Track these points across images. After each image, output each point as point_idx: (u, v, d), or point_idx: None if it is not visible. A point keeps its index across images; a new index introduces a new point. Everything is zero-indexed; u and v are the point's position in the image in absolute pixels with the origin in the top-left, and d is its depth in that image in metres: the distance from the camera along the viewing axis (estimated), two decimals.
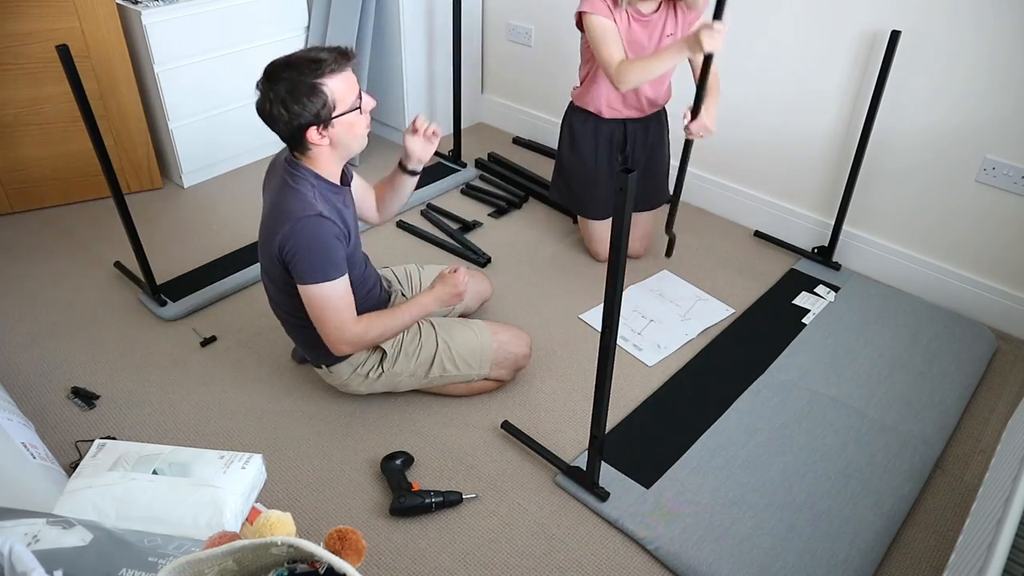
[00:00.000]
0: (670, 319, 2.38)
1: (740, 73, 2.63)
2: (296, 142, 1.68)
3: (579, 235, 2.76)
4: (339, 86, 1.63)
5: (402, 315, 1.86)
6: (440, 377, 1.99)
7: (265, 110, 1.62)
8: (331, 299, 1.72)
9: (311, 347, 1.91)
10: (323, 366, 1.96)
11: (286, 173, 1.72)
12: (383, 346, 1.92)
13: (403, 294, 2.14)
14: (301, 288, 1.72)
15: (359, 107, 1.68)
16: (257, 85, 1.63)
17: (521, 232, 2.82)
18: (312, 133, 1.64)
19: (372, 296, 1.98)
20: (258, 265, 2.52)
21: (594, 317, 2.37)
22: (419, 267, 2.23)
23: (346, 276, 1.74)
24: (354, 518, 1.77)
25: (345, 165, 1.84)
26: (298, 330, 1.91)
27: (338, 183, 1.80)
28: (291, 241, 1.66)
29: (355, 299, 1.79)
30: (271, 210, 1.74)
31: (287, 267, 1.71)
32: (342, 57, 1.63)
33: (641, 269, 2.61)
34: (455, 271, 1.94)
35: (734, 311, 2.42)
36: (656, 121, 2.47)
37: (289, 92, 1.58)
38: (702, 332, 2.34)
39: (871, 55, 2.33)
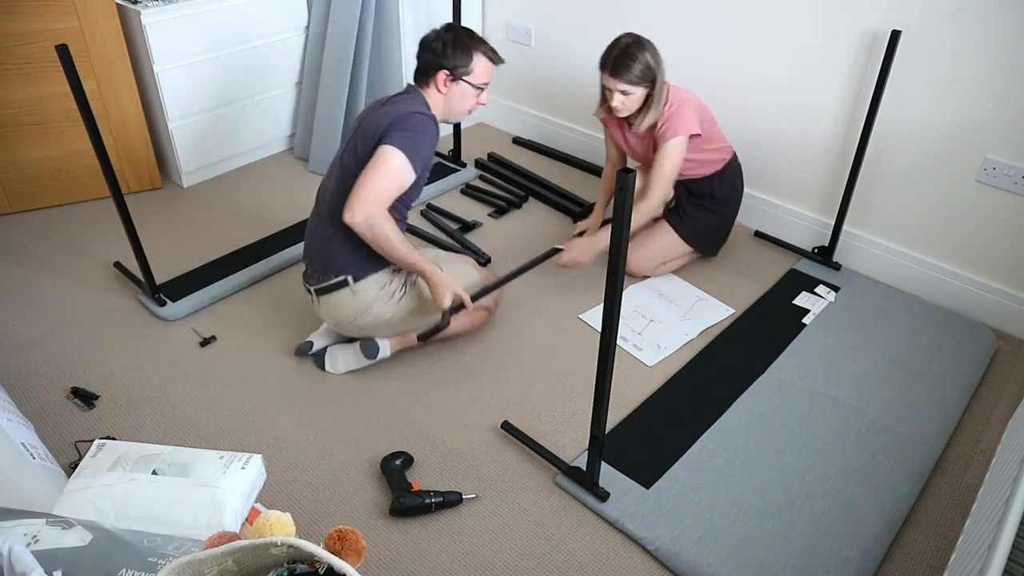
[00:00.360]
0: (670, 319, 2.38)
1: (740, 73, 2.63)
2: (427, 74, 2.01)
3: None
4: (483, 66, 2.02)
5: (408, 251, 1.93)
6: (421, 307, 2.11)
7: (429, 39, 2.00)
8: (390, 170, 1.87)
9: (348, 249, 1.98)
10: (350, 283, 2.01)
11: (411, 94, 2.01)
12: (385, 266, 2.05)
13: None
14: (381, 147, 1.87)
15: (481, 90, 2.05)
16: (437, 29, 2.02)
17: (521, 232, 2.82)
18: (442, 75, 1.99)
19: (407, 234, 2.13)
20: (259, 264, 2.55)
21: (594, 317, 2.37)
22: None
23: (413, 175, 1.90)
24: (354, 518, 1.76)
25: None
26: (344, 238, 1.96)
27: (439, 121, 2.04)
28: (404, 119, 1.91)
29: (400, 223, 1.98)
30: (389, 107, 1.95)
31: (383, 134, 1.89)
32: (499, 59, 2.07)
33: None
34: (461, 306, 2.04)
35: (734, 311, 2.42)
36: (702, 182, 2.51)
37: (454, 40, 1.98)
38: (702, 332, 2.34)
39: (871, 55, 2.33)
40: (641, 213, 2.32)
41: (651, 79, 2.21)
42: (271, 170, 3.18)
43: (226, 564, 0.91)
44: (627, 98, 2.23)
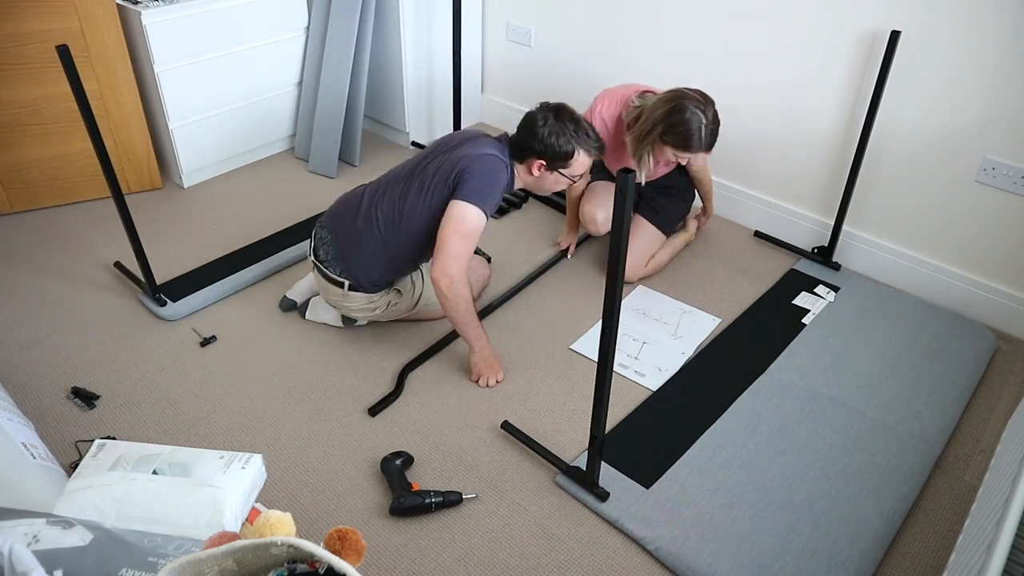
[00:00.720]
0: (662, 339, 2.32)
1: (740, 73, 2.63)
2: (522, 155, 2.00)
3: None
4: (582, 163, 2.00)
5: (470, 320, 2.03)
6: (426, 305, 2.23)
7: (534, 121, 1.96)
8: (474, 228, 1.92)
9: (369, 264, 2.05)
10: (345, 287, 2.07)
11: (497, 143, 2.02)
12: (399, 287, 2.16)
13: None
14: (454, 203, 1.91)
15: (575, 181, 2.04)
16: (544, 104, 1.98)
17: (521, 232, 2.82)
18: (536, 163, 1.99)
19: None
20: (259, 265, 2.55)
21: (584, 345, 2.28)
22: None
23: (484, 224, 1.94)
24: (354, 518, 1.77)
25: None
26: (379, 246, 2.04)
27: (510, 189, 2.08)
28: (476, 164, 1.92)
29: (428, 250, 2.03)
30: (473, 150, 1.96)
31: (457, 182, 1.93)
32: (600, 151, 2.02)
33: None
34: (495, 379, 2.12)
35: (721, 320, 2.39)
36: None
37: (556, 133, 1.94)
38: (697, 348, 2.28)
39: (871, 55, 2.33)
40: (710, 183, 2.63)
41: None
42: (271, 170, 3.18)
43: (226, 564, 0.91)
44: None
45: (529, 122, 1.97)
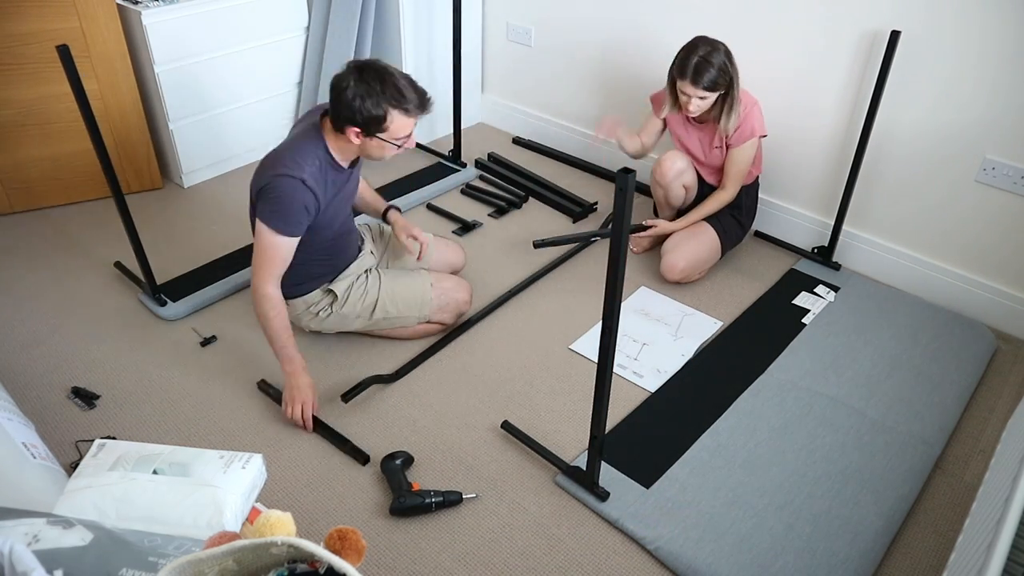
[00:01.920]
0: (663, 340, 2.31)
1: (740, 74, 2.62)
2: (337, 123, 1.85)
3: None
4: (400, 123, 1.83)
5: (279, 341, 1.95)
6: (385, 319, 2.18)
7: (339, 86, 1.79)
8: (268, 247, 1.88)
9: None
10: (286, 298, 2.02)
11: (310, 128, 1.91)
12: (335, 290, 2.12)
13: (371, 251, 2.28)
14: (257, 224, 1.89)
15: (400, 145, 1.88)
16: (350, 64, 1.80)
17: (521, 232, 2.82)
18: (351, 131, 1.83)
19: (347, 253, 2.18)
20: None
21: (583, 345, 2.29)
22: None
23: (293, 239, 1.89)
24: (354, 518, 1.77)
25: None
26: None
27: (344, 166, 1.97)
28: (268, 186, 1.85)
29: (322, 253, 2.04)
30: (279, 149, 1.91)
31: (256, 202, 1.90)
32: (421, 108, 1.85)
33: None
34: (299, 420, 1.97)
35: (722, 323, 2.39)
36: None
37: (365, 94, 1.77)
38: (698, 351, 2.28)
39: (871, 55, 2.33)
40: (717, 202, 2.50)
41: (728, 82, 2.28)
42: None
43: (226, 564, 0.91)
44: (703, 102, 2.29)
45: (335, 87, 1.79)
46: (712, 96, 2.28)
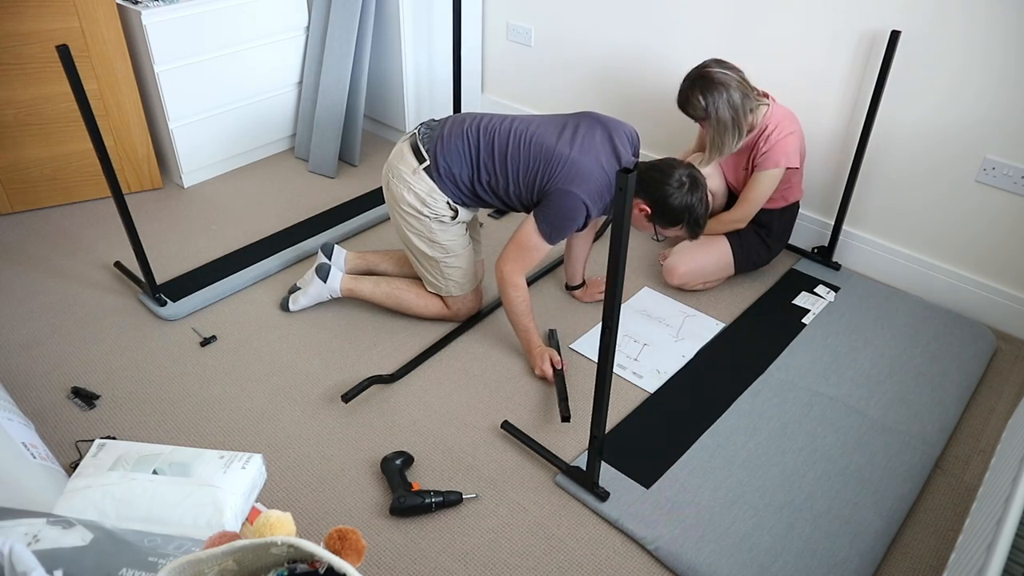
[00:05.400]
0: (663, 341, 2.31)
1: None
2: (636, 190, 1.99)
3: None
4: (676, 233, 2.06)
5: (522, 323, 2.16)
6: (444, 263, 2.22)
7: (670, 175, 1.97)
8: (532, 248, 2.06)
9: (458, 159, 2.10)
10: (427, 161, 2.10)
11: (612, 155, 2.04)
12: (460, 211, 2.17)
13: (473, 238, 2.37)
14: (528, 222, 2.05)
15: (656, 239, 2.11)
16: (692, 171, 2.00)
17: None
18: (641, 204, 2.00)
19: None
20: (259, 265, 2.55)
21: (584, 345, 2.29)
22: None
23: (549, 247, 2.07)
24: (354, 518, 1.77)
25: None
26: (475, 151, 2.09)
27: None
28: (560, 195, 1.99)
29: (492, 193, 2.13)
30: (584, 154, 2.01)
31: (542, 196, 2.04)
32: (694, 236, 2.07)
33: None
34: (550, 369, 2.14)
35: (724, 324, 2.38)
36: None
37: (683, 199, 1.97)
38: (698, 351, 2.27)
39: (871, 55, 2.33)
40: (722, 223, 2.43)
41: (706, 117, 2.23)
42: (271, 170, 3.18)
43: (226, 564, 0.91)
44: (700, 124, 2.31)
45: (666, 172, 1.98)
46: (702, 122, 2.26)
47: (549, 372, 2.13)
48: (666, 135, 2.94)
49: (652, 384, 2.15)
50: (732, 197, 2.54)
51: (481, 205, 2.19)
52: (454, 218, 2.16)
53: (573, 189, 1.98)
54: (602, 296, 2.42)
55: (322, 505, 1.79)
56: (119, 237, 2.66)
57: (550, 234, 2.03)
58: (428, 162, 2.09)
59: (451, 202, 2.13)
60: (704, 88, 2.20)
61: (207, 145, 3.01)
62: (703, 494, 1.82)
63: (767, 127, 2.28)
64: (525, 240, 2.06)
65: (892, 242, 2.54)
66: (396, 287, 2.33)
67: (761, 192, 2.34)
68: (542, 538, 1.73)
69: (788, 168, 2.31)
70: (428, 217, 2.14)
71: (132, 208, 2.30)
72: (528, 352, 2.19)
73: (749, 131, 2.28)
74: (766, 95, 2.32)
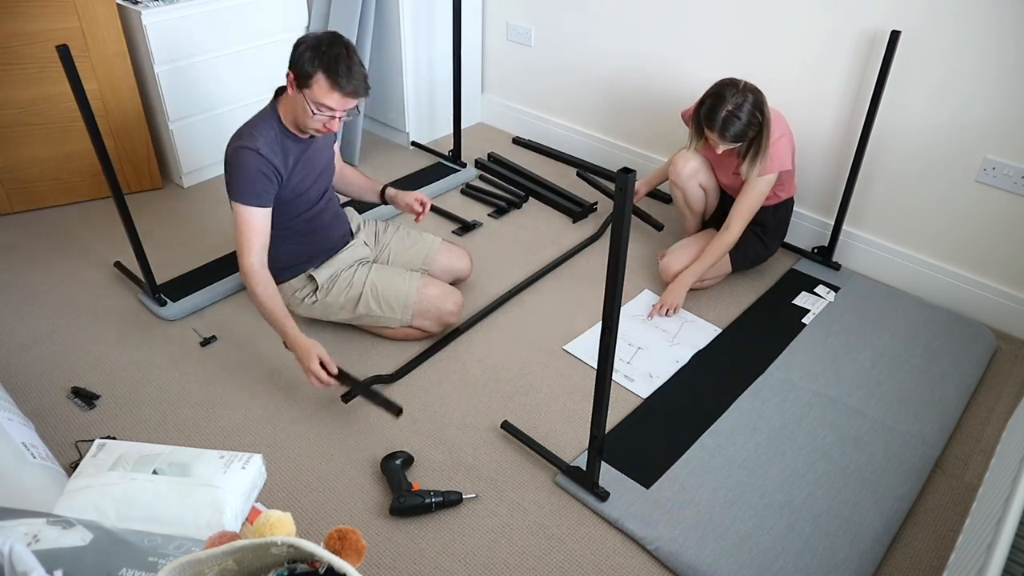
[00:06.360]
0: (658, 345, 2.29)
1: (740, 74, 2.62)
2: (289, 74, 1.92)
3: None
4: (321, 87, 1.85)
5: (276, 315, 1.96)
6: (367, 315, 2.19)
7: (305, 39, 1.89)
8: (241, 222, 1.96)
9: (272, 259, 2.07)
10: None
11: (267, 105, 2.03)
12: (316, 278, 2.16)
13: (364, 242, 2.32)
14: (230, 201, 1.98)
15: (315, 115, 1.89)
16: (335, 33, 1.90)
17: (521, 232, 2.82)
18: (290, 77, 1.91)
19: (327, 236, 2.22)
20: None
21: (577, 347, 2.28)
22: (407, 231, 2.41)
23: (262, 209, 1.96)
24: (354, 518, 1.77)
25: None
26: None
27: (298, 134, 2.01)
28: (227, 160, 1.97)
29: (297, 232, 2.10)
30: (240, 127, 2.01)
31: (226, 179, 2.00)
32: (345, 88, 1.85)
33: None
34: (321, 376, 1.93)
35: (720, 330, 2.37)
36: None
37: (312, 48, 1.84)
38: (693, 356, 2.26)
39: (871, 55, 2.33)
40: (720, 246, 2.38)
41: (757, 129, 2.21)
42: None
43: (226, 564, 0.91)
44: (733, 147, 2.25)
45: (298, 40, 1.90)
46: (741, 143, 2.24)
47: (324, 377, 1.90)
48: (665, 134, 2.94)
49: (644, 389, 2.13)
50: (724, 197, 2.55)
51: (304, 253, 2.16)
52: (318, 284, 2.15)
53: (232, 144, 1.95)
54: (423, 209, 2.29)
55: (322, 505, 1.79)
56: (119, 237, 2.66)
57: (241, 194, 1.92)
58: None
59: (299, 279, 2.16)
60: (752, 103, 2.16)
61: (207, 145, 3.01)
62: (703, 494, 1.82)
63: None
64: (235, 223, 1.96)
65: (892, 242, 2.54)
66: (378, 331, 2.27)
67: (751, 203, 2.33)
68: (542, 538, 1.73)
69: (782, 171, 2.31)
70: (318, 302, 2.17)
71: (132, 208, 2.29)
72: (291, 349, 1.97)
73: None
74: None
